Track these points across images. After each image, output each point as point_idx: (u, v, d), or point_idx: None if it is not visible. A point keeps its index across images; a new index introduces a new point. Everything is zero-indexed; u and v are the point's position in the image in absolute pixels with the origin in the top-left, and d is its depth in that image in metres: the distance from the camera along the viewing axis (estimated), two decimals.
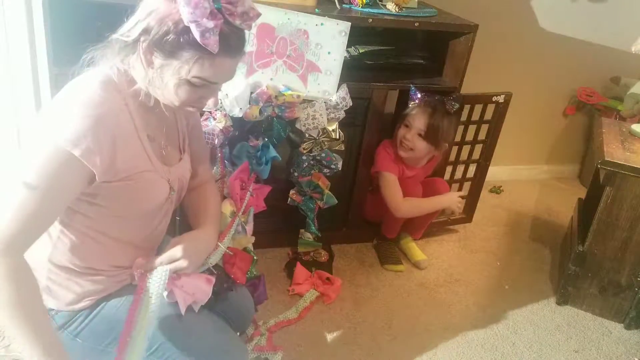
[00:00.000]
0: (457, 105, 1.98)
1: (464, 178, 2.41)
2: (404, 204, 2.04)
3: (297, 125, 1.80)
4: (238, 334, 1.28)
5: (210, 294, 1.15)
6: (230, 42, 0.95)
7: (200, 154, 1.31)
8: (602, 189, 1.92)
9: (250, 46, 1.66)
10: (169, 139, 1.14)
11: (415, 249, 2.26)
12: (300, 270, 1.98)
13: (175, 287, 1.10)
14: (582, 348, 1.92)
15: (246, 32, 0.99)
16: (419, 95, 1.97)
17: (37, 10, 1.93)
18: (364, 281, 2.09)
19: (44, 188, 0.89)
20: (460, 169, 2.41)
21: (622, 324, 2.05)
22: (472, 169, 2.41)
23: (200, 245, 1.16)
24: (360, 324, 1.87)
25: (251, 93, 1.70)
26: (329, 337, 1.79)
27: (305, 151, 1.87)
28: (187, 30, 0.91)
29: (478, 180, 2.41)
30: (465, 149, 2.34)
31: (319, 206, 1.99)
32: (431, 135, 1.98)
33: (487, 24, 2.10)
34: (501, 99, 2.18)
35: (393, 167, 2.07)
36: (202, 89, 0.99)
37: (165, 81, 0.97)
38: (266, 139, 1.77)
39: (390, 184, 2.05)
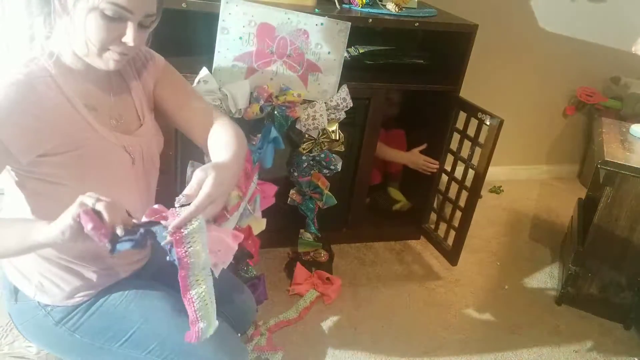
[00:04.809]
0: None
1: (453, 200, 2.21)
2: None
3: (297, 126, 1.80)
4: (239, 334, 1.28)
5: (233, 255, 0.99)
6: None
7: (189, 104, 1.19)
8: (602, 189, 1.92)
9: (250, 46, 1.66)
10: (121, 107, 1.10)
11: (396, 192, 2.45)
12: (300, 270, 1.98)
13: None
14: (582, 348, 1.92)
15: None
16: None
17: None
18: (364, 281, 2.09)
19: None
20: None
21: (622, 324, 2.05)
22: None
23: (227, 175, 0.99)
24: (360, 324, 1.87)
25: (251, 93, 1.69)
26: (329, 337, 1.79)
27: (305, 151, 1.87)
28: None
29: (466, 212, 2.11)
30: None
31: (318, 206, 1.99)
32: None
33: (487, 24, 2.10)
34: (488, 120, 1.95)
35: None
36: (117, 23, 0.93)
37: (80, 20, 0.91)
38: (267, 122, 1.73)
39: None
